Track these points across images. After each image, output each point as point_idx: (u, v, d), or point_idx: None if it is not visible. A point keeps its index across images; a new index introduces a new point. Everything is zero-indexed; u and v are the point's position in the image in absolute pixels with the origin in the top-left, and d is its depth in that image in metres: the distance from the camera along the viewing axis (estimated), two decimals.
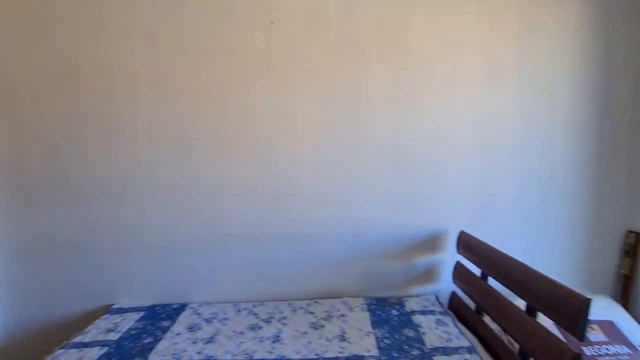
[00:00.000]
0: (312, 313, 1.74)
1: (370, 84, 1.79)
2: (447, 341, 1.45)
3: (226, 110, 1.79)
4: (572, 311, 1.02)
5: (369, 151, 1.83)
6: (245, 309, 1.79)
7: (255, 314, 1.74)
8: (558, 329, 1.36)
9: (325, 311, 1.75)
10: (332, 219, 1.87)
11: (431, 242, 1.94)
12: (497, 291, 1.47)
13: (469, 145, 1.87)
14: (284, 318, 1.69)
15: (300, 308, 1.79)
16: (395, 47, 1.79)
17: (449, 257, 1.91)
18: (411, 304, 1.82)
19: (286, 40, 1.76)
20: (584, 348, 1.38)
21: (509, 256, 1.42)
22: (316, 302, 1.86)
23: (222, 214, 1.84)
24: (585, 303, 0.97)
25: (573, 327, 1.01)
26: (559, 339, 1.08)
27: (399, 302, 1.84)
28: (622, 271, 1.96)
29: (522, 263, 1.33)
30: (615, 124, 1.88)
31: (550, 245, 1.97)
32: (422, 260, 1.96)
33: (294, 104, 1.79)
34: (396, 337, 1.50)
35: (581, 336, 0.98)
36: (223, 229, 1.85)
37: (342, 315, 1.70)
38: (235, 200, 1.83)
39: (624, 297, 1.93)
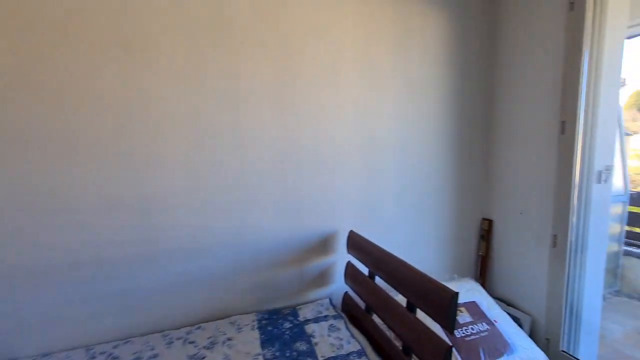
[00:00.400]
0: (192, 343, 1.48)
1: (251, 78, 1.63)
2: (338, 348, 1.41)
3: (73, 103, 1.37)
4: (442, 305, 1.05)
5: (251, 152, 1.67)
6: (101, 353, 1.41)
7: (115, 358, 1.38)
8: None
9: (209, 337, 1.52)
10: (212, 231, 1.63)
11: (323, 245, 1.90)
12: (382, 289, 1.49)
13: (354, 145, 1.89)
14: (154, 357, 1.39)
15: (178, 339, 1.51)
16: (276, 41, 1.66)
17: (341, 257, 1.90)
18: (305, 312, 1.73)
19: (147, 16, 1.44)
20: (455, 331, 1.50)
21: (390, 254, 1.45)
22: (199, 327, 1.60)
23: (64, 236, 1.41)
24: (454, 297, 1.01)
25: (444, 320, 1.05)
26: (434, 333, 1.12)
27: (293, 312, 1.74)
28: (480, 253, 2.28)
29: (401, 260, 1.36)
30: (470, 125, 2.17)
31: (426, 237, 2.16)
32: (316, 263, 1.90)
33: (157, 94, 1.49)
34: (287, 354, 1.38)
35: (451, 328, 1.02)
36: (67, 255, 1.42)
37: (229, 339, 1.50)
38: (83, 214, 1.43)
39: (482, 276, 2.25)
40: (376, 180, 1.96)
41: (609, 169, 1.70)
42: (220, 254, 1.67)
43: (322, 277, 1.93)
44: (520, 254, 2.03)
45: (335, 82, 1.80)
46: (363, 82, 1.86)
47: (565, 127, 1.70)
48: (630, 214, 3.13)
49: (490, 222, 2.23)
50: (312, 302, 1.86)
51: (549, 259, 1.84)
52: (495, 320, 1.62)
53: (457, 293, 1.02)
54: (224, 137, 1.61)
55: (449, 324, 1.03)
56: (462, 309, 1.65)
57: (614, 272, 3.11)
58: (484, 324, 1.58)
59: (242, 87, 1.61)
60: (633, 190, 3.05)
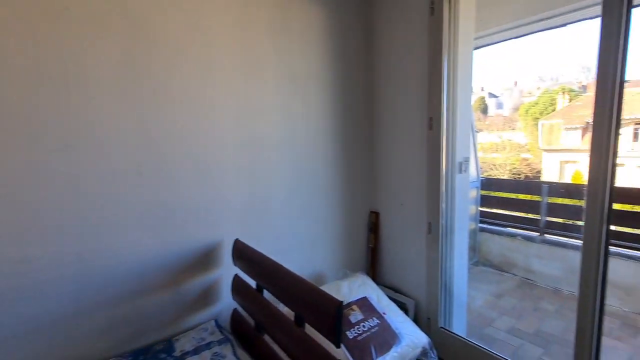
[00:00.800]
0: None
1: (82, 57, 1.25)
2: None
3: None
4: (328, 316, 0.96)
5: (100, 154, 1.29)
6: None
7: None
8: None
9: None
10: (40, 262, 1.20)
11: (204, 258, 1.64)
12: (270, 303, 1.33)
13: (235, 143, 1.68)
14: None
15: None
16: (121, 9, 1.32)
17: (227, 270, 1.68)
18: (184, 343, 1.45)
19: None
20: (347, 332, 1.47)
21: (275, 263, 1.31)
22: None
23: None
24: (338, 308, 0.92)
25: (331, 334, 0.95)
26: (323, 349, 1.02)
27: (168, 346, 1.44)
28: (370, 246, 2.36)
29: (286, 270, 1.23)
30: (355, 121, 2.20)
31: (319, 236, 2.11)
32: (197, 281, 1.63)
33: None
34: None
35: (337, 342, 0.93)
36: None
37: None
38: None
39: (373, 267, 2.34)
40: (262, 181, 1.80)
41: (466, 160, 1.93)
42: (55, 290, 1.25)
43: (206, 296, 1.67)
44: (404, 243, 2.16)
45: (208, 72, 1.55)
46: (241, 73, 1.66)
47: (432, 124, 1.85)
48: (482, 196, 3.78)
49: (377, 215, 2.33)
50: (193, 328, 1.58)
51: (426, 245, 2.00)
52: (384, 313, 1.66)
53: (341, 303, 0.93)
54: (48, 131, 1.19)
55: (336, 338, 0.94)
56: (354, 306, 1.64)
57: (473, 247, 3.70)
58: (374, 318, 1.60)
59: (71, 67, 1.22)
60: (482, 176, 3.68)
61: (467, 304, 2.81)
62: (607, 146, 1.23)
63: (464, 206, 1.99)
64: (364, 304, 1.68)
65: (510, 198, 4.01)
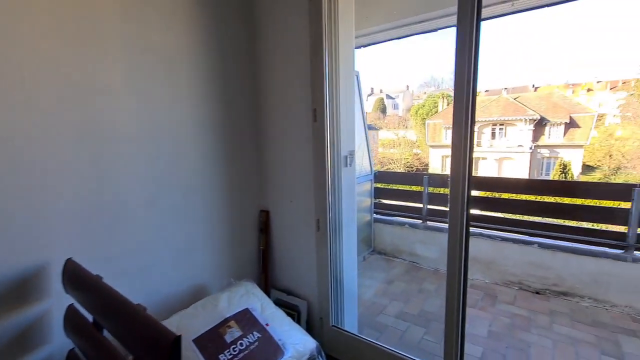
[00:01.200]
0: None
1: None
2: None
3: None
4: (163, 357, 0.73)
5: None
6: None
7: None
8: None
9: None
10: None
11: (23, 287, 1.21)
12: (109, 344, 1.02)
13: (65, 134, 1.28)
14: None
15: None
16: None
17: (60, 300, 1.27)
18: None
19: None
20: (220, 356, 1.26)
21: (111, 290, 1.00)
22: None
23: None
24: (174, 346, 0.70)
25: None
26: None
27: None
28: (261, 247, 2.18)
29: (124, 299, 0.95)
30: (239, 114, 1.97)
31: (200, 241, 1.83)
32: (14, 320, 1.20)
33: None
34: None
35: None
36: None
37: None
38: None
39: (264, 271, 2.16)
40: (112, 181, 1.43)
41: (352, 154, 1.90)
42: None
43: (28, 337, 1.24)
44: (295, 242, 2.05)
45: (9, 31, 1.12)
46: (68, 38, 1.26)
47: (317, 115, 1.75)
48: (376, 189, 3.98)
49: (267, 213, 2.15)
50: None
51: (315, 242, 1.92)
52: (267, 324, 1.50)
53: (177, 338, 0.71)
54: None
55: None
56: (232, 322, 1.43)
57: (369, 237, 3.88)
58: (254, 333, 1.42)
59: None
60: (375, 170, 3.87)
61: (359, 296, 2.89)
62: (464, 142, 1.32)
63: (351, 200, 1.97)
64: (245, 317, 1.49)
65: (399, 189, 4.35)
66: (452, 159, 1.35)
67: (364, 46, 3.35)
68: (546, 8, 2.31)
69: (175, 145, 1.67)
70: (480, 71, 1.27)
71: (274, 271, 2.19)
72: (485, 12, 2.35)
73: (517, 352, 2.14)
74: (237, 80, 1.94)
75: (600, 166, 18.48)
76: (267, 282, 2.16)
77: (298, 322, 1.95)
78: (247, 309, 1.52)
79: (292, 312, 2.01)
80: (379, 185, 4.17)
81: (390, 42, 3.29)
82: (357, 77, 3.48)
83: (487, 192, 4.84)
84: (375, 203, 3.97)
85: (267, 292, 2.15)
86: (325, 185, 1.80)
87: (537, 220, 3.49)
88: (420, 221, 3.68)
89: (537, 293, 2.88)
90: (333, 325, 1.93)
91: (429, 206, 3.71)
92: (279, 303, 2.10)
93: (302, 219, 1.97)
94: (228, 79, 1.88)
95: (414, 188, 4.09)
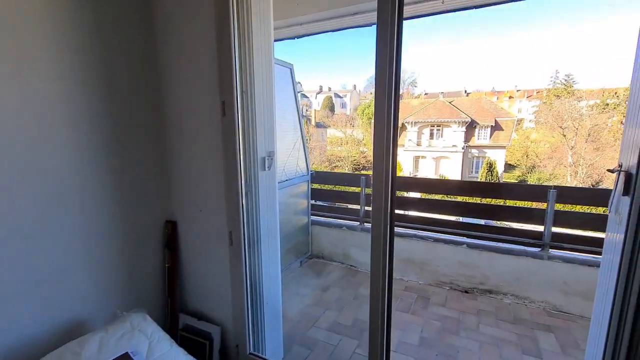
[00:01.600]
0: None
1: None
2: None
3: None
4: None
5: None
6: None
7: None
8: None
9: None
10: None
11: None
12: None
13: None
14: None
15: None
16: None
17: None
18: None
19: None
20: None
21: None
22: None
23: None
24: None
25: None
26: None
27: None
28: (167, 265, 1.83)
29: None
30: (136, 103, 1.61)
31: (77, 263, 1.44)
32: None
33: None
34: None
35: None
36: None
37: None
38: None
39: (171, 293, 1.82)
40: None
41: (271, 155, 1.65)
42: None
43: None
44: (206, 258, 1.74)
45: None
46: None
47: (226, 109, 1.47)
48: (313, 190, 3.79)
49: (174, 225, 1.81)
50: None
51: (229, 259, 1.64)
52: None
53: None
54: None
55: None
56: None
57: (306, 240, 3.68)
58: None
59: None
60: (312, 170, 3.68)
61: (291, 307, 2.68)
62: (387, 143, 1.17)
63: (271, 208, 1.72)
64: None
65: (336, 190, 4.21)
66: (374, 158, 1.20)
67: (299, 37, 3.12)
68: (473, 10, 2.29)
69: (28, 140, 1.26)
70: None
71: (183, 292, 1.86)
72: (410, 10, 2.27)
73: (447, 359, 2.10)
74: (132, 61, 1.57)
75: (519, 165, 20.81)
76: (174, 306, 1.82)
77: (210, 354, 1.66)
78: (127, 353, 1.19)
79: (204, 340, 1.71)
80: (316, 186, 3.99)
81: (335, 37, 3.10)
82: (291, 70, 3.24)
83: (424, 194, 4.96)
84: (313, 205, 3.78)
85: (174, 318, 1.81)
86: (238, 192, 1.53)
87: (467, 221, 3.60)
88: (358, 223, 3.58)
89: (466, 292, 2.94)
90: (250, 353, 1.67)
91: (366, 208, 3.63)
92: (188, 330, 1.78)
93: (214, 230, 1.67)
94: (118, 60, 1.50)
95: (352, 189, 3.99)
